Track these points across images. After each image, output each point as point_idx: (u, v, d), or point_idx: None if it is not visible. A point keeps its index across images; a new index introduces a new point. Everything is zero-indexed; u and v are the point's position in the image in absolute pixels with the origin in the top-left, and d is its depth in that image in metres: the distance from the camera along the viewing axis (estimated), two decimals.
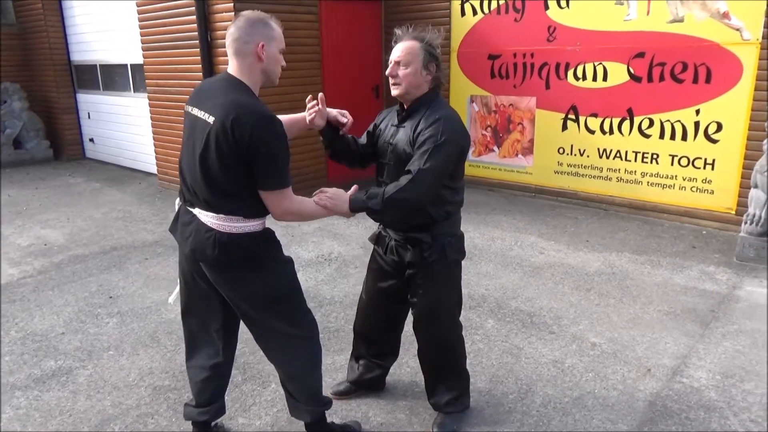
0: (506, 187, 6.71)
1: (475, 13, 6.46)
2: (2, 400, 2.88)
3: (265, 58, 2.04)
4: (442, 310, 2.47)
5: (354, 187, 2.22)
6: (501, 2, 6.22)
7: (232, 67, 2.06)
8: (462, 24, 6.60)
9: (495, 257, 4.67)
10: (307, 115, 2.42)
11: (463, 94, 6.81)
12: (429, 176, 2.14)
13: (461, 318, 2.61)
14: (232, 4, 5.72)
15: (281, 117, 2.38)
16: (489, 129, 6.72)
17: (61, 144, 9.67)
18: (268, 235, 2.15)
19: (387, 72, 2.36)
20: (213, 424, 2.50)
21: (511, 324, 3.56)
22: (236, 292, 2.14)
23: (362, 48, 7.17)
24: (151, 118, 7.37)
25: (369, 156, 2.54)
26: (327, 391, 2.74)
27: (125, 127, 8.58)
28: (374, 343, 2.75)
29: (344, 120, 2.47)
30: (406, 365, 3.10)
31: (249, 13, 2.09)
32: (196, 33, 6.04)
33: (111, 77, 8.63)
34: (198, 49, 6.10)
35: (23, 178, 8.20)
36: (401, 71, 2.28)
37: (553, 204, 6.23)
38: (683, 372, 3.02)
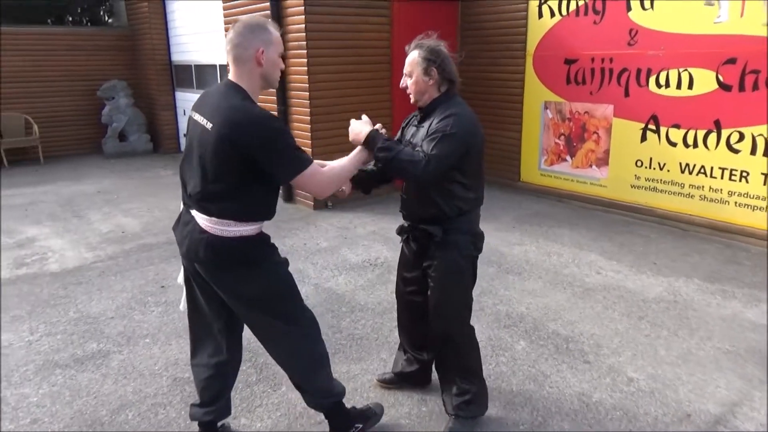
0: (577, 199, 6.33)
1: (552, 15, 6.15)
2: (44, 374, 3.13)
3: (265, 63, 2.08)
4: (447, 305, 2.51)
5: (378, 125, 2.39)
6: (580, 3, 5.87)
7: (232, 73, 2.12)
8: (539, 26, 6.31)
9: (546, 274, 4.42)
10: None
11: (537, 99, 6.51)
12: (434, 162, 2.22)
13: (482, 336, 2.49)
14: (303, 8, 5.85)
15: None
16: (562, 137, 6.38)
17: (160, 138, 10.41)
18: (261, 238, 2.19)
19: (400, 84, 2.50)
20: (219, 424, 2.54)
21: (544, 348, 3.34)
22: (229, 293, 2.19)
23: None
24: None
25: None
26: (373, 379, 3.01)
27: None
28: (410, 334, 2.83)
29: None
30: None
31: (247, 18, 2.13)
32: None
33: (203, 77, 9.16)
34: None
35: (123, 168, 8.91)
36: (408, 82, 2.44)
37: (626, 220, 5.79)
38: (728, 421, 2.68)
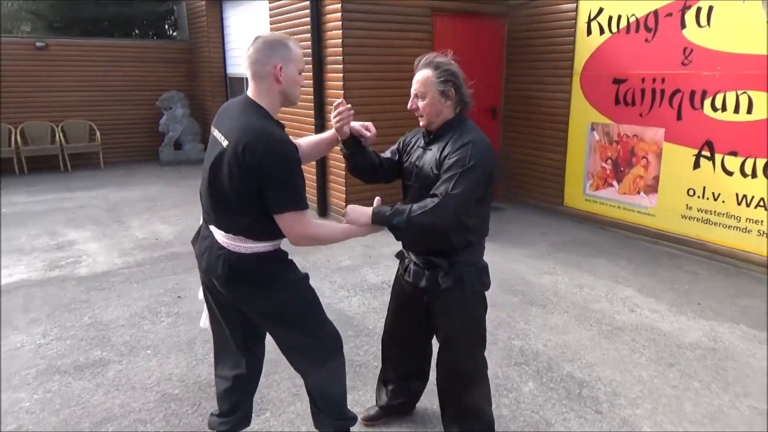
0: (622, 227, 5.93)
1: (602, 32, 5.83)
2: (42, 379, 3.16)
3: (283, 80, 2.05)
4: (458, 342, 2.39)
5: (377, 200, 2.24)
6: (631, 20, 5.53)
7: (251, 90, 2.09)
8: (587, 44, 6.00)
9: (573, 308, 4.11)
10: (334, 122, 2.35)
11: (584, 120, 6.17)
12: (456, 201, 2.08)
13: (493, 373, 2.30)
14: (340, 23, 5.81)
15: (306, 139, 2.48)
16: (609, 161, 6.01)
17: None
18: (279, 256, 2.16)
19: (408, 106, 2.34)
20: None
21: (554, 392, 3.07)
22: (249, 308, 2.20)
23: (480, 67, 6.85)
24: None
25: (392, 171, 2.50)
26: (361, 411, 2.84)
27: None
28: (400, 363, 2.72)
29: (367, 133, 2.41)
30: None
31: (267, 35, 2.11)
32: (310, 50, 6.24)
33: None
34: (310, 65, 6.31)
35: (174, 176, 9.17)
36: (420, 103, 2.28)
37: (673, 253, 5.35)
38: None
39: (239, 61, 9.67)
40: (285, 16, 6.90)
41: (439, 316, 2.38)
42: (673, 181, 5.41)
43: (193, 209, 7.03)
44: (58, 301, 4.27)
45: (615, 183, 5.99)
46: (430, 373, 2.75)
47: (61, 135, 9.74)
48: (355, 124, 2.38)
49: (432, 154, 2.26)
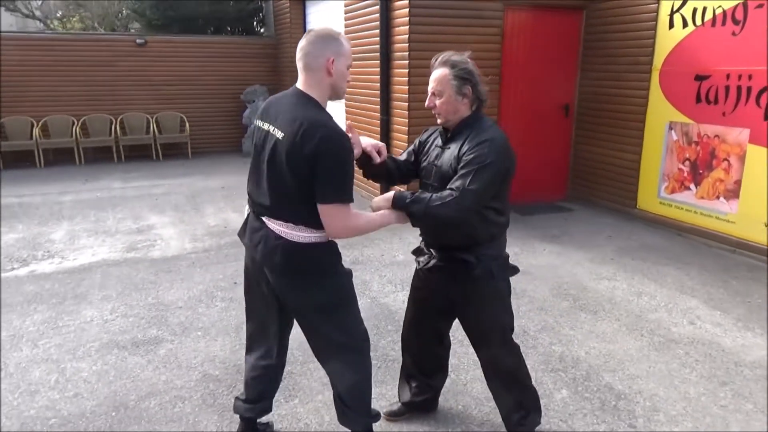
0: (699, 234, 5.53)
1: (685, 24, 5.45)
2: (102, 352, 3.47)
3: (335, 73, 2.09)
4: (494, 332, 2.44)
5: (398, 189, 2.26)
6: (717, 12, 5.13)
7: (302, 82, 2.13)
8: (668, 38, 5.63)
9: (626, 317, 3.91)
10: None
11: (662, 119, 5.81)
12: (472, 196, 2.12)
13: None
14: (407, 18, 5.83)
15: None
16: (687, 163, 5.62)
17: None
18: (331, 246, 2.20)
19: (425, 104, 2.38)
20: (258, 421, 2.65)
21: (587, 402, 2.95)
22: (295, 298, 2.24)
23: (553, 62, 6.64)
24: (346, 122, 7.97)
25: (409, 174, 2.57)
26: (386, 406, 2.87)
27: None
28: (421, 359, 2.75)
29: (377, 158, 2.47)
30: (460, 383, 3.04)
31: (320, 29, 2.16)
32: (378, 47, 6.32)
33: None
34: (378, 62, 6.38)
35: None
36: (437, 101, 2.31)
37: (753, 264, 4.93)
38: None
39: None
40: (357, 12, 7.01)
41: (471, 310, 2.42)
42: (757, 187, 4.98)
43: None
44: (129, 281, 4.64)
45: (692, 186, 5.60)
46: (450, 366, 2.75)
47: (155, 126, 10.48)
48: (367, 145, 2.44)
49: (450, 153, 2.28)
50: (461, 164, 2.18)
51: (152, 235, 5.88)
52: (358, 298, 2.36)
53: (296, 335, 2.50)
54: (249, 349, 2.53)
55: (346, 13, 7.40)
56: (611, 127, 6.42)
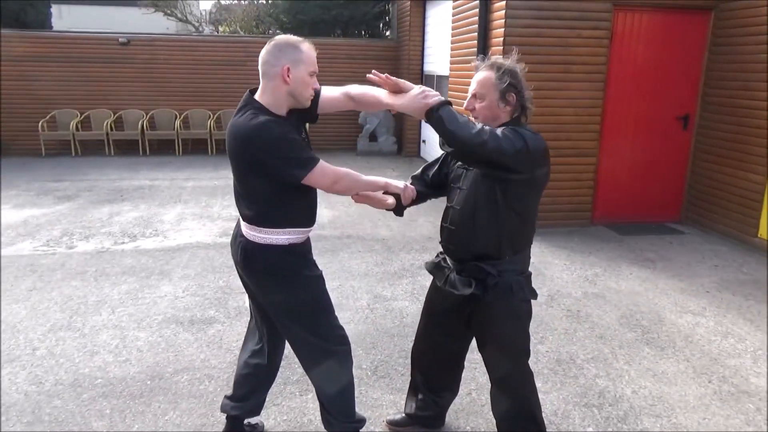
0: None
1: None
2: (162, 326, 3.79)
3: (292, 81, 2.10)
4: (506, 353, 2.33)
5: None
6: None
7: (259, 88, 2.19)
8: None
9: (698, 358, 3.44)
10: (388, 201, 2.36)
11: None
12: (491, 140, 2.01)
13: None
14: (503, 20, 5.62)
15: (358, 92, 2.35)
16: None
17: (404, 141, 11.21)
18: (293, 249, 2.23)
19: (464, 106, 2.30)
20: (246, 422, 2.69)
21: None
22: (263, 298, 2.33)
23: (672, 68, 6.01)
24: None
25: (443, 185, 2.48)
26: (383, 418, 2.82)
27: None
28: (430, 376, 2.67)
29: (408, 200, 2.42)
30: (477, 403, 2.92)
31: (280, 37, 2.18)
32: (476, 48, 6.18)
33: (441, 86, 9.51)
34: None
35: (363, 165, 9.86)
36: (477, 104, 2.22)
37: None
38: None
39: (431, 59, 9.94)
40: (461, 15, 6.92)
41: (485, 327, 2.32)
42: None
43: None
44: (210, 263, 5.01)
45: None
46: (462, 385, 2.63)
47: None
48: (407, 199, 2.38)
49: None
50: None
51: None
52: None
53: None
54: (243, 347, 2.59)
55: (453, 15, 7.32)
56: (737, 143, 5.67)
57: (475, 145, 2.02)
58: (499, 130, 2.06)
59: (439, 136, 2.14)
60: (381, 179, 2.30)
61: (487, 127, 2.06)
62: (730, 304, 4.25)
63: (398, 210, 2.49)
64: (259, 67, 2.14)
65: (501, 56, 2.28)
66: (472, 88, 2.22)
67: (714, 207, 6.02)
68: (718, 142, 5.95)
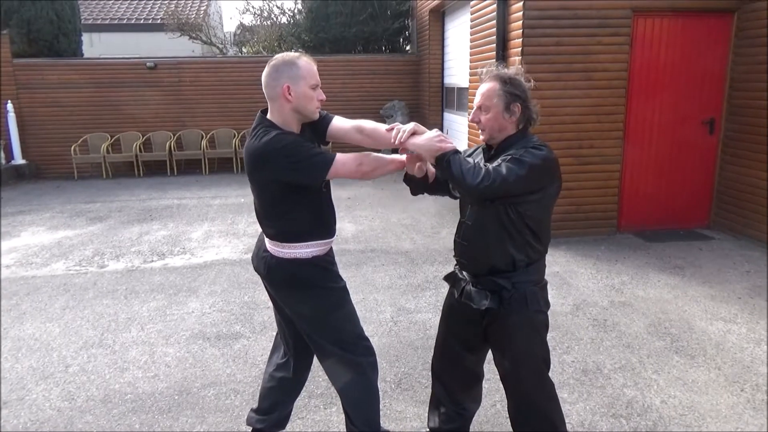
0: None
1: None
2: (190, 341, 3.86)
3: (294, 98, 2.15)
4: (525, 366, 2.28)
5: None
6: None
7: (269, 109, 2.25)
8: None
9: (730, 366, 3.35)
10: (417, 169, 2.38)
11: None
12: (494, 179, 2.02)
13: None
14: (521, 31, 5.63)
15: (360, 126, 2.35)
16: None
17: None
18: (316, 261, 2.29)
19: (469, 118, 2.32)
20: None
21: None
22: (288, 309, 2.38)
23: (693, 72, 5.93)
24: (468, 135, 7.95)
25: (453, 190, 2.47)
26: (420, 428, 2.82)
27: (460, 143, 9.39)
28: (452, 387, 2.63)
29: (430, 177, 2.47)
30: (504, 415, 2.78)
31: (277, 57, 2.24)
32: (494, 59, 6.19)
33: (462, 99, 9.54)
34: None
35: (384, 180, 9.84)
36: (483, 117, 2.22)
37: None
38: None
39: (451, 72, 9.98)
40: (479, 26, 6.94)
41: (502, 340, 2.29)
42: None
43: (383, 212, 7.56)
44: (236, 279, 5.09)
45: None
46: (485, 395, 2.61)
47: None
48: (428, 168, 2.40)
49: None
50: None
51: None
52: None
53: None
54: (268, 360, 2.63)
55: (471, 27, 7.35)
56: (766, 145, 5.54)
57: (482, 190, 2.04)
58: (503, 165, 2.06)
59: (448, 181, 2.17)
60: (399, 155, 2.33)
61: (491, 167, 2.07)
62: (764, 310, 4.14)
63: (415, 187, 2.52)
64: (263, 90, 2.20)
65: (504, 66, 2.27)
66: (476, 101, 2.23)
67: (744, 211, 5.88)
68: (746, 146, 5.83)
